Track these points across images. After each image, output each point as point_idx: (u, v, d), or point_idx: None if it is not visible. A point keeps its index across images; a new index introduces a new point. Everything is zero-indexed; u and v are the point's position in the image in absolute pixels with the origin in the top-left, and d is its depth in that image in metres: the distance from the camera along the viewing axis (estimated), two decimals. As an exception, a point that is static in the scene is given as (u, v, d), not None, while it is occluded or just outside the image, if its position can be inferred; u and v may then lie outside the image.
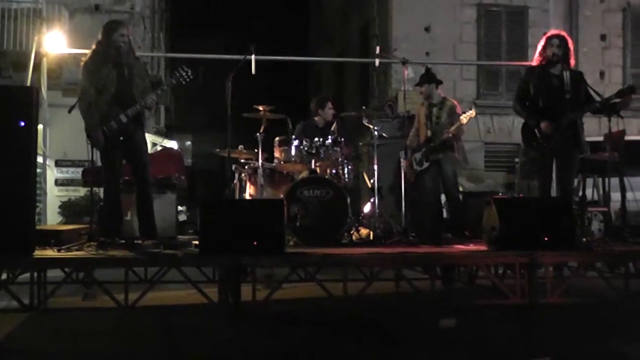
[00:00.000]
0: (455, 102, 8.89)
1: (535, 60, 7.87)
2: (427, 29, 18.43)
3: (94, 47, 7.21)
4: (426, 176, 8.73)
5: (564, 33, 7.91)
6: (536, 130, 7.60)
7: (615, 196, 8.90)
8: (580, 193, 9.15)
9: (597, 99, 7.68)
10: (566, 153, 7.58)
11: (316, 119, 9.40)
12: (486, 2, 18.76)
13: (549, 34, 7.89)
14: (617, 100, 7.55)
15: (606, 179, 9.19)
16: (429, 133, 8.77)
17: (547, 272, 6.45)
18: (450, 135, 8.52)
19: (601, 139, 9.20)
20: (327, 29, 26.71)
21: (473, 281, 8.09)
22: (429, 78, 8.94)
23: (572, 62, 7.73)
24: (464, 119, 8.40)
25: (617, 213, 9.44)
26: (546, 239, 6.39)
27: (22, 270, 6.27)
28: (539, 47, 7.80)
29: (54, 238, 7.01)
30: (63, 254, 6.34)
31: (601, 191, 9.56)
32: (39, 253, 6.23)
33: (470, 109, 8.49)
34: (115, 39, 7.07)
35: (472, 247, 7.22)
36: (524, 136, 7.88)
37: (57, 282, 6.21)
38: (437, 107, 8.79)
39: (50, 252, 6.43)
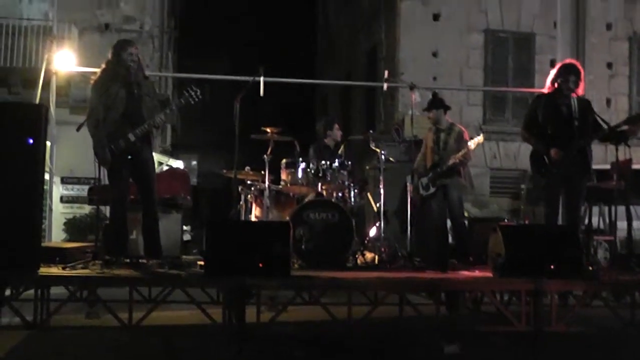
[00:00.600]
0: (463, 128, 8.88)
1: (546, 88, 7.85)
2: (434, 54, 18.50)
3: (103, 65, 7.24)
4: (432, 201, 8.71)
5: (578, 65, 7.86)
6: (545, 157, 7.58)
7: (622, 225, 8.86)
8: (586, 221, 9.12)
9: (605, 126, 7.67)
10: (575, 180, 7.55)
11: (326, 140, 9.44)
12: (493, 28, 18.83)
13: (564, 64, 7.85)
14: (625, 127, 7.54)
15: (612, 208, 9.17)
16: (436, 158, 8.75)
17: (553, 300, 6.42)
18: (457, 161, 8.51)
19: (608, 167, 9.18)
20: (335, 52, 26.80)
21: (478, 307, 8.05)
22: (437, 104, 8.94)
23: (582, 91, 7.72)
24: (471, 144, 8.39)
25: (623, 242, 9.40)
26: (552, 266, 6.37)
27: (26, 287, 6.26)
28: (552, 75, 7.78)
29: (58, 255, 7.01)
30: (68, 272, 6.35)
31: (607, 220, 9.54)
32: (43, 270, 6.23)
33: (479, 135, 8.47)
34: (124, 58, 7.09)
35: (477, 273, 7.21)
36: (532, 163, 7.85)
37: (61, 300, 6.20)
38: (444, 133, 8.78)
39: (55, 270, 6.43)
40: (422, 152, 9.07)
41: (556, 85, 7.69)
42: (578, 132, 7.51)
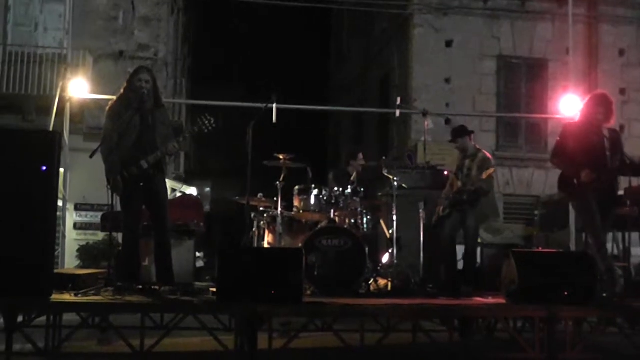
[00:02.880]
0: (488, 155, 8.72)
1: (579, 118, 7.78)
2: (447, 80, 18.52)
3: (120, 92, 7.29)
4: (446, 222, 8.58)
5: (608, 95, 7.79)
6: (575, 180, 7.46)
7: (636, 251, 8.82)
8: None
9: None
10: (605, 209, 7.45)
11: (349, 168, 9.54)
12: (506, 54, 18.86)
13: (594, 95, 7.83)
14: None
15: (626, 234, 9.12)
16: (459, 184, 8.67)
17: (567, 327, 6.38)
18: (473, 189, 8.42)
19: (622, 193, 9.14)
20: (348, 78, 26.89)
21: (492, 334, 7.99)
22: (461, 132, 8.85)
23: (613, 121, 7.65)
24: (484, 174, 8.32)
25: (637, 268, 9.34)
26: (566, 293, 6.34)
27: (38, 313, 6.27)
28: (584, 107, 7.74)
29: (71, 282, 7.02)
30: (80, 299, 6.35)
31: (621, 246, 9.48)
32: (56, 297, 6.23)
33: (492, 167, 8.41)
34: (134, 84, 7.12)
35: (490, 299, 7.17)
36: (560, 186, 7.75)
37: (73, 327, 6.19)
38: (469, 159, 8.66)
39: (67, 297, 6.43)
40: (449, 180, 8.97)
41: (586, 117, 7.63)
42: (610, 163, 7.44)
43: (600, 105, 7.60)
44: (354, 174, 9.49)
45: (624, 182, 8.50)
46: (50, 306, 6.12)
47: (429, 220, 8.78)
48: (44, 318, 6.40)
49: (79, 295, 6.45)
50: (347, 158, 9.64)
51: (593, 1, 18.95)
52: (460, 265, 8.70)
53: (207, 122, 7.17)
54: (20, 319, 6.09)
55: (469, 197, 8.43)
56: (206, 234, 11.81)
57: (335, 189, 8.34)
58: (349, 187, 8.39)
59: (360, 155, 9.61)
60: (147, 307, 6.40)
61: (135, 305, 6.23)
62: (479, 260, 9.69)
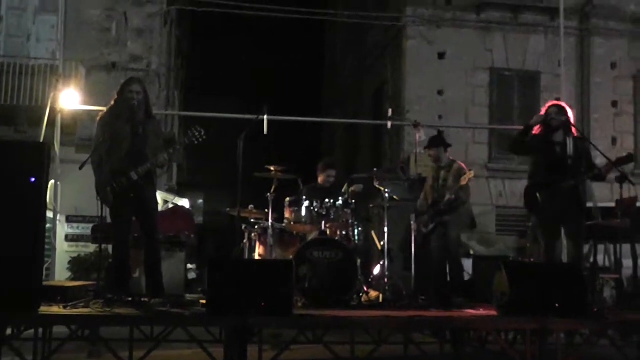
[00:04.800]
0: (463, 165, 8.85)
1: (535, 129, 7.82)
2: (439, 92, 18.57)
3: (111, 103, 7.27)
4: (432, 238, 8.67)
5: (562, 103, 7.89)
6: (537, 195, 7.51)
7: (627, 263, 8.83)
8: (592, 259, 9.07)
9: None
10: (571, 220, 7.47)
11: (319, 181, 9.46)
12: (499, 66, 18.92)
13: (547, 104, 7.91)
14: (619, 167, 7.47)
15: (618, 246, 9.13)
16: (436, 196, 8.74)
17: (558, 339, 6.36)
18: (453, 197, 8.49)
19: (613, 205, 9.15)
20: (341, 90, 26.93)
21: (483, 346, 7.98)
22: (437, 141, 8.98)
23: (574, 131, 7.67)
24: (462, 180, 8.36)
25: (629, 280, 9.34)
26: (557, 305, 6.32)
27: (27, 326, 6.22)
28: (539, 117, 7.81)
29: (60, 294, 6.96)
30: (68, 311, 6.29)
31: (613, 258, 9.49)
32: (44, 309, 6.18)
33: (470, 170, 8.47)
34: (125, 95, 7.11)
35: (482, 311, 7.15)
36: (525, 200, 7.81)
37: (62, 339, 6.15)
38: (444, 170, 8.78)
39: (56, 309, 6.38)
40: (424, 190, 9.07)
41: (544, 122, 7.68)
42: (571, 171, 7.46)
43: (558, 113, 7.62)
44: (328, 186, 9.39)
45: (615, 194, 8.51)
46: (38, 319, 6.07)
47: (419, 233, 8.79)
48: (32, 330, 6.35)
49: (68, 308, 6.41)
50: (319, 170, 9.52)
51: (585, 14, 19.04)
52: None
53: (197, 133, 7.15)
54: (9, 332, 6.05)
55: (446, 206, 8.49)
56: (198, 246, 11.77)
57: (305, 200, 8.33)
58: (339, 198, 8.37)
59: (332, 171, 9.52)
60: (135, 319, 6.36)
61: (124, 317, 6.18)
62: (470, 272, 9.71)
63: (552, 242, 7.65)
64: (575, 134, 7.66)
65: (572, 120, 7.65)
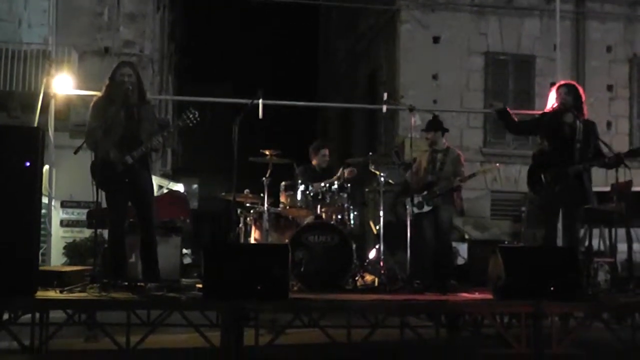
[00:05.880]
0: (460, 152, 8.86)
1: (547, 108, 7.82)
2: (434, 77, 18.50)
3: (103, 88, 7.23)
4: (424, 221, 8.64)
5: (574, 82, 7.90)
6: (542, 176, 7.53)
7: (622, 247, 8.85)
8: (587, 243, 9.09)
9: (605, 150, 7.63)
10: (572, 205, 7.50)
11: (313, 163, 9.42)
12: (493, 50, 18.85)
13: (558, 84, 7.89)
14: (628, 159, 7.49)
15: (613, 230, 9.15)
16: (431, 178, 8.69)
17: (553, 322, 6.39)
18: (461, 184, 8.52)
19: (608, 189, 9.16)
20: (335, 75, 26.86)
21: (478, 329, 8.00)
22: (436, 125, 8.94)
23: (585, 112, 7.67)
24: (484, 171, 8.36)
25: (623, 264, 9.37)
26: (552, 288, 6.35)
27: (23, 311, 6.23)
28: (550, 97, 7.78)
29: (56, 279, 6.98)
30: (65, 295, 6.32)
31: (607, 242, 9.51)
32: (41, 294, 6.19)
33: (489, 166, 8.48)
34: (117, 79, 7.07)
35: (477, 295, 7.18)
36: (529, 182, 7.83)
37: (59, 324, 6.16)
38: (441, 154, 8.77)
39: (53, 293, 6.39)
40: (413, 171, 8.99)
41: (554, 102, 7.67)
42: (579, 154, 7.46)
43: (567, 93, 7.62)
44: (320, 168, 9.36)
45: (610, 178, 8.52)
46: (35, 303, 6.08)
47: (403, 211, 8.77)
48: (29, 315, 6.36)
49: (65, 292, 6.42)
50: (311, 152, 9.47)
51: (580, -3, 18.99)
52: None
53: (191, 115, 7.09)
54: (6, 316, 6.06)
55: (442, 191, 8.50)
56: (194, 231, 11.77)
57: (301, 183, 8.33)
58: (335, 182, 8.37)
59: (325, 151, 9.49)
60: (132, 304, 6.38)
61: (120, 302, 6.21)
62: (465, 256, 9.73)
63: (550, 224, 7.67)
64: (586, 116, 7.66)
65: (583, 101, 7.65)
